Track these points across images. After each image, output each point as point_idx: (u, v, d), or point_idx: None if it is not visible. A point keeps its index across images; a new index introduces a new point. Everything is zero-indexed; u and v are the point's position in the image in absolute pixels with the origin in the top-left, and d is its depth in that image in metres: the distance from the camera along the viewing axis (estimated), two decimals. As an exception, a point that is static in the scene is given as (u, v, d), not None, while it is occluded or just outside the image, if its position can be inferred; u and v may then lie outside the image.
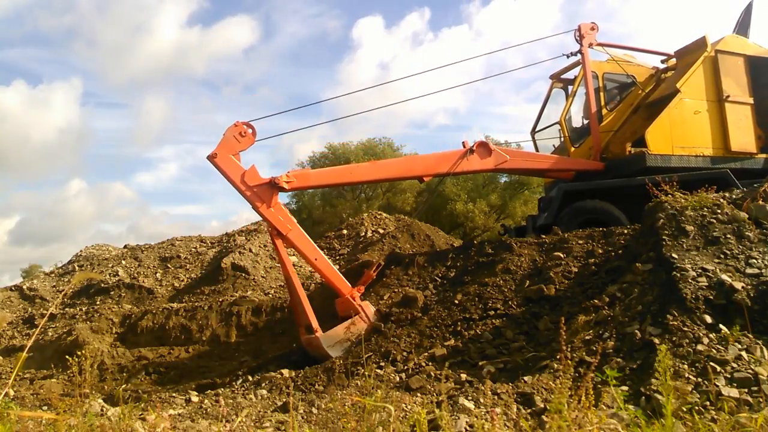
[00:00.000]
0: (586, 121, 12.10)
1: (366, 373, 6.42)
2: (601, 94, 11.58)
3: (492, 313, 7.51)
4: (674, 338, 4.92)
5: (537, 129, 12.82)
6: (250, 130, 8.48)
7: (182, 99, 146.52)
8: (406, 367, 6.91)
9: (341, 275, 9.05)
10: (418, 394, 6.06)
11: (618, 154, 11.13)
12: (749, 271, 5.55)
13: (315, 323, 8.36)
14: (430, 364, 6.82)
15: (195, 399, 7.04)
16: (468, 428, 4.55)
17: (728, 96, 10.91)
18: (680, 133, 10.75)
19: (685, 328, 4.99)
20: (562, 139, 12.06)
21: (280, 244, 8.66)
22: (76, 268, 17.35)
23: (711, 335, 4.89)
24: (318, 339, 8.21)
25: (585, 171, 11.15)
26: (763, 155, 11.23)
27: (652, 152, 10.51)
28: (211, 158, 8.35)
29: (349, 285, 8.88)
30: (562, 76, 12.67)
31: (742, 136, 10.99)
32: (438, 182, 17.35)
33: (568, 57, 11.57)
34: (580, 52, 11.46)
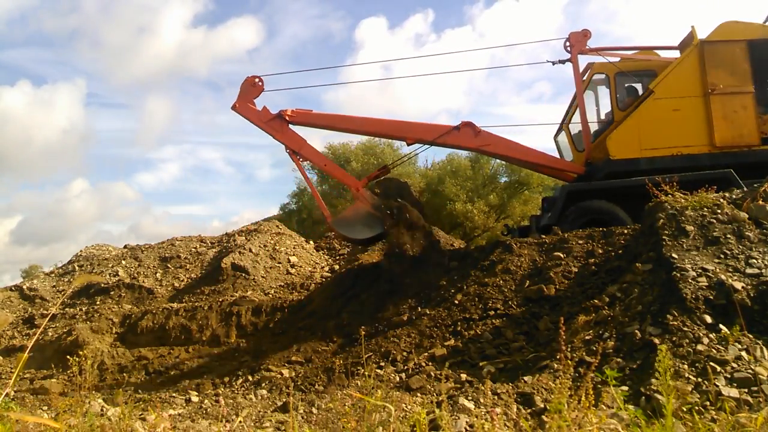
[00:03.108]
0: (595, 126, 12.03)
1: (366, 373, 6.42)
2: (612, 95, 11.36)
3: (492, 313, 7.51)
4: (674, 338, 4.92)
5: (559, 133, 12.90)
6: (259, 81, 11.04)
7: (185, 100, 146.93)
8: (406, 367, 6.92)
9: (347, 173, 12.09)
10: (418, 394, 6.06)
11: (598, 158, 11.09)
12: (749, 271, 5.55)
13: (325, 212, 11.20)
14: (430, 364, 6.82)
15: (195, 399, 7.04)
16: (468, 428, 4.55)
17: (714, 89, 10.29)
18: (651, 135, 10.40)
19: (685, 328, 4.99)
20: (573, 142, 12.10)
21: (296, 159, 11.10)
22: (76, 268, 17.34)
23: (711, 335, 4.88)
24: (330, 223, 11.04)
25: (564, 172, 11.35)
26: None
27: (614, 158, 10.45)
28: (234, 108, 10.97)
29: (355, 179, 11.37)
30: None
31: (733, 129, 10.28)
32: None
33: (553, 64, 11.68)
34: (570, 60, 11.47)
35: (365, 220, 10.60)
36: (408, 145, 11.32)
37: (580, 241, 8.38)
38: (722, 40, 10.50)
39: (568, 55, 11.54)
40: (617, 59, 11.50)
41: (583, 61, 11.72)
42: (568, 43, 11.49)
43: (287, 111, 10.97)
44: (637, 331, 5.35)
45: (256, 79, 11.05)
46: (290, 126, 11.03)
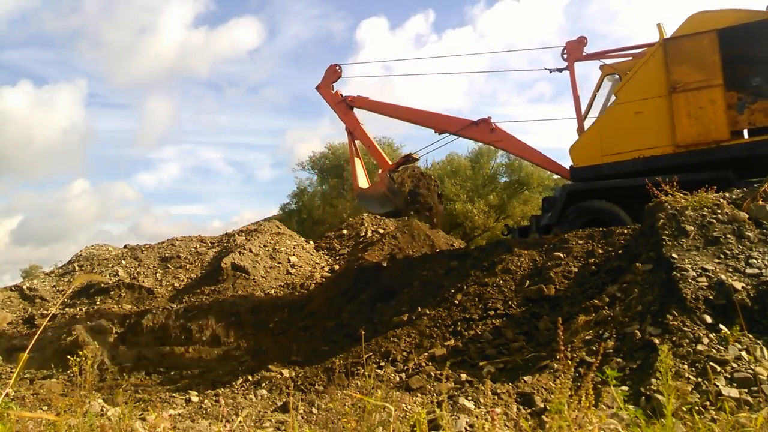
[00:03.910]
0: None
1: (366, 373, 6.42)
2: None
3: (492, 313, 7.51)
4: (674, 338, 4.92)
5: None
6: (339, 68, 13.16)
7: (186, 100, 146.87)
8: (406, 367, 6.92)
9: (383, 156, 13.21)
10: (418, 394, 6.06)
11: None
12: (749, 271, 5.54)
13: (355, 183, 13.10)
14: (430, 364, 6.82)
15: (195, 399, 7.04)
16: (468, 428, 4.55)
17: (677, 86, 9.80)
18: (613, 140, 10.30)
19: (685, 328, 4.99)
20: None
21: (350, 138, 13.23)
22: (76, 268, 17.34)
23: (711, 335, 4.88)
24: (354, 194, 13.62)
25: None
26: (741, 140, 9.64)
27: (576, 166, 10.64)
28: (317, 88, 13.29)
29: (387, 162, 12.90)
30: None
31: (699, 126, 9.71)
32: None
33: (550, 72, 11.99)
34: (567, 69, 11.63)
35: (380, 199, 12.60)
36: (436, 133, 12.47)
37: (580, 241, 8.37)
38: (688, 35, 9.94)
39: (566, 63, 11.69)
40: (618, 61, 11.50)
41: (583, 67, 11.90)
42: (565, 52, 11.65)
43: (349, 97, 13.21)
44: (637, 331, 5.35)
45: (337, 67, 13.22)
46: (352, 110, 13.14)
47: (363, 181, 13.09)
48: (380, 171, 12.86)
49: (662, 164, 9.75)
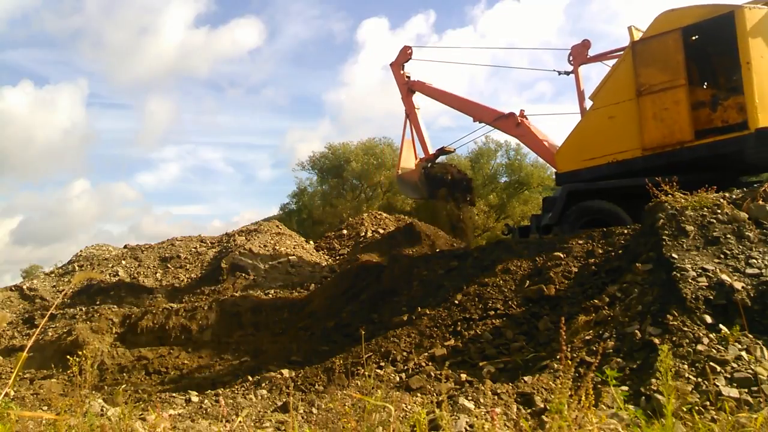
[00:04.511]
0: None
1: (366, 373, 6.42)
2: None
3: (492, 313, 7.51)
4: (674, 338, 4.92)
5: None
6: (410, 51, 14.48)
7: (186, 100, 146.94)
8: (406, 367, 6.91)
9: (428, 145, 14.30)
10: (418, 394, 6.06)
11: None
12: (749, 271, 5.54)
13: (398, 165, 14.99)
14: (430, 364, 6.82)
15: (195, 399, 7.03)
16: (468, 428, 4.55)
17: (643, 89, 9.78)
18: (589, 145, 10.40)
19: (685, 328, 4.99)
20: None
21: (406, 120, 14.48)
22: (76, 268, 17.34)
23: (711, 335, 4.88)
24: (395, 176, 15.62)
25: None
26: (704, 140, 9.34)
27: (560, 171, 10.94)
28: (391, 65, 14.73)
29: (427, 151, 14.21)
30: None
31: (664, 128, 9.61)
32: None
33: (559, 74, 12.61)
34: (572, 72, 12.11)
35: (412, 185, 14.38)
36: (474, 121, 13.40)
37: (580, 241, 8.37)
38: (654, 35, 9.83)
39: (571, 66, 12.21)
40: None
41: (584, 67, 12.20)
42: (570, 57, 12.01)
43: (410, 80, 14.53)
44: (637, 331, 5.35)
45: (408, 50, 14.57)
46: (413, 94, 14.26)
47: (410, 163, 14.35)
48: (419, 159, 14.25)
49: (633, 167, 9.84)
